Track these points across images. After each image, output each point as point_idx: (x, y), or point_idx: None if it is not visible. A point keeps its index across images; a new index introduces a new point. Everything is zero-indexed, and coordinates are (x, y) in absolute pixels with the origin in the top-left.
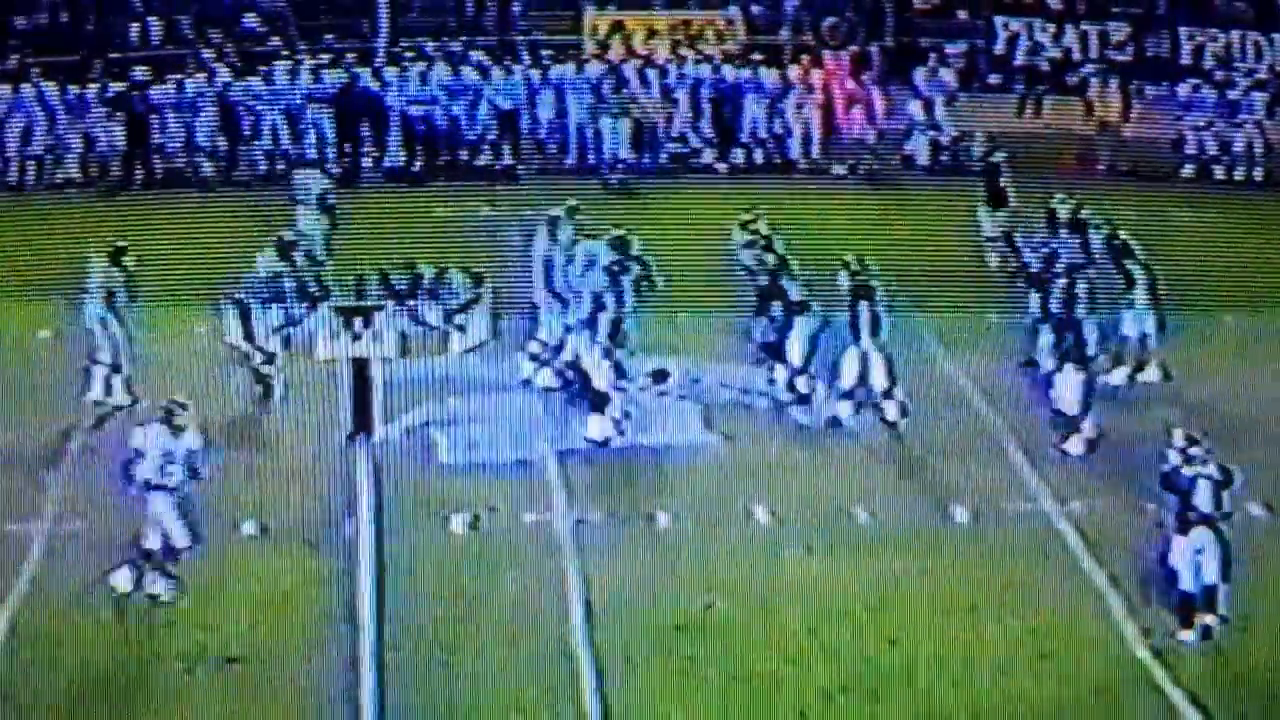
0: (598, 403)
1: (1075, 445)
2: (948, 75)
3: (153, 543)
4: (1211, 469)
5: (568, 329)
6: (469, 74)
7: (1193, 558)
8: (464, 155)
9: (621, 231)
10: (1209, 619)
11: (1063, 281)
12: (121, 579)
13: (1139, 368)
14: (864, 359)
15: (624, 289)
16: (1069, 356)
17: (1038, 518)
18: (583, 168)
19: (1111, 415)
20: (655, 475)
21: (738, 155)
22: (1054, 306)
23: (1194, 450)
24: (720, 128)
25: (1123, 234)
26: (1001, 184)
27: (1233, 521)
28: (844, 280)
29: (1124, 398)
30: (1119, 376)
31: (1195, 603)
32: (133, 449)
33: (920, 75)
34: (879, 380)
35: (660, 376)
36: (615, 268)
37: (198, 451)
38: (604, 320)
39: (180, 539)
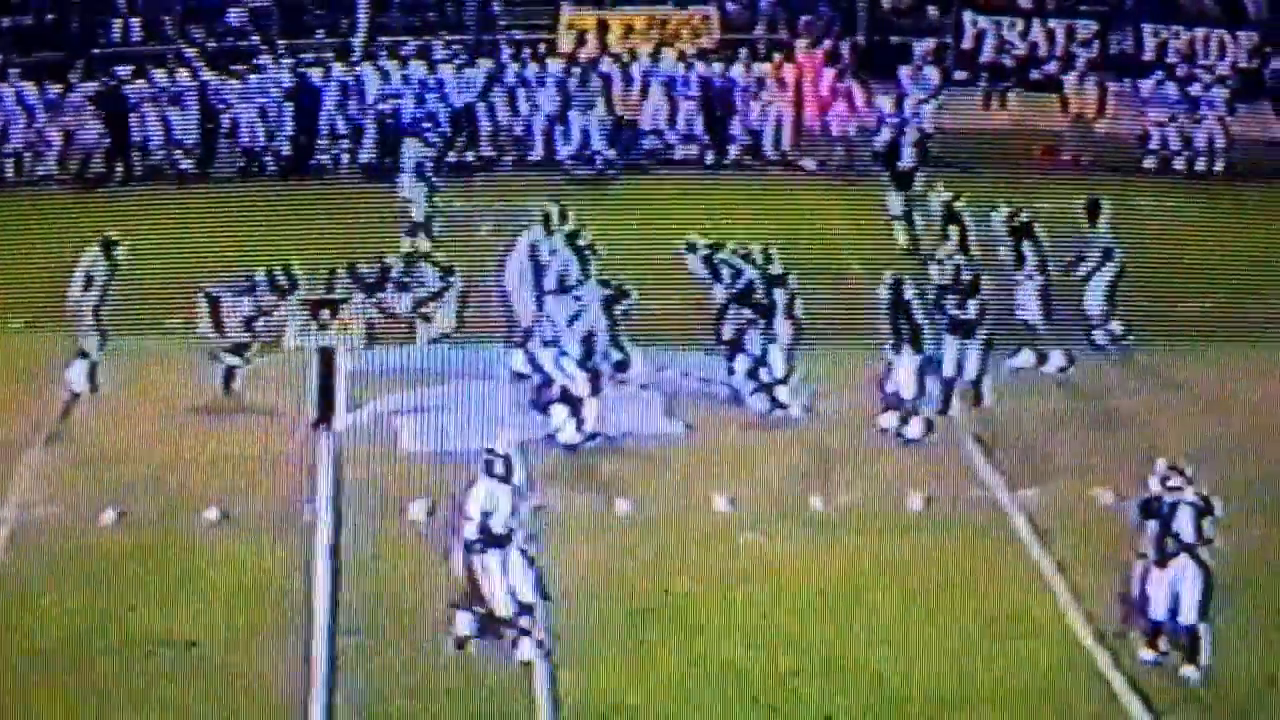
0: (570, 403)
1: (914, 428)
2: (932, 73)
3: (503, 606)
4: (1192, 496)
5: (546, 337)
6: (445, 70)
7: (1170, 589)
8: (438, 149)
9: (610, 279)
10: (1189, 670)
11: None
12: (463, 624)
13: (1041, 359)
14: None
15: (611, 317)
16: (904, 339)
17: (990, 504)
18: (556, 162)
19: (1059, 399)
20: (616, 463)
21: (712, 150)
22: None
23: (1175, 479)
24: (696, 123)
25: (1024, 216)
26: (901, 167)
27: (1214, 550)
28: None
29: (1065, 381)
30: (1024, 359)
31: (1163, 629)
32: (466, 514)
33: (906, 72)
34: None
35: (622, 366)
36: (608, 298)
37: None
38: (581, 331)
39: (530, 593)
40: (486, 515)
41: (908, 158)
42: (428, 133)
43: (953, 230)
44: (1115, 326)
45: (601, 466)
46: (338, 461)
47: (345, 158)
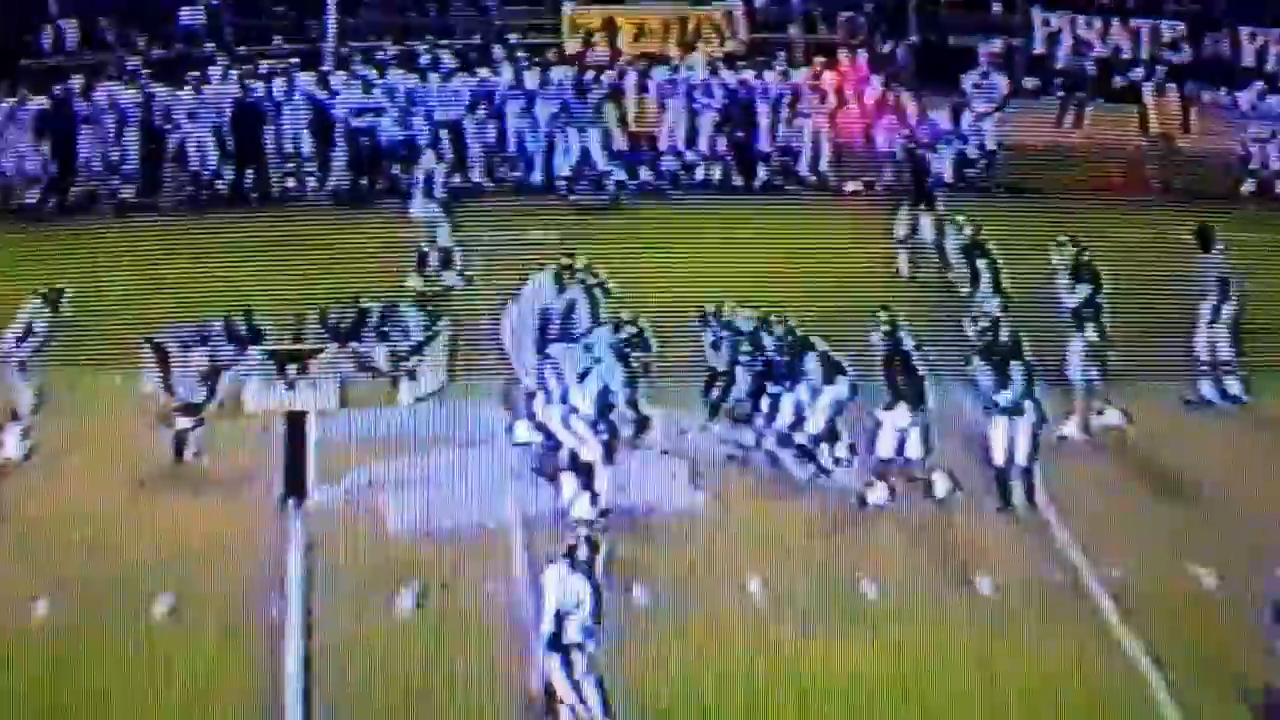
0: (582, 473)
1: (940, 485)
2: (1000, 80)
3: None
4: None
5: (552, 395)
6: (428, 79)
7: None
8: (418, 172)
9: (628, 318)
10: None
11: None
12: None
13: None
14: (898, 426)
15: (627, 369)
16: (901, 394)
17: (1069, 587)
18: (557, 187)
19: (1134, 463)
20: (633, 541)
21: (737, 172)
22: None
23: None
24: (720, 140)
25: (1086, 255)
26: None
27: None
28: (876, 339)
29: (1136, 442)
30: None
31: None
32: (555, 610)
33: (970, 80)
34: (915, 450)
35: (641, 426)
36: (623, 348)
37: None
38: (593, 387)
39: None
40: (564, 614)
41: (947, 173)
42: (440, 146)
43: (983, 268)
44: (1232, 383)
45: (617, 547)
46: (309, 544)
47: (313, 182)
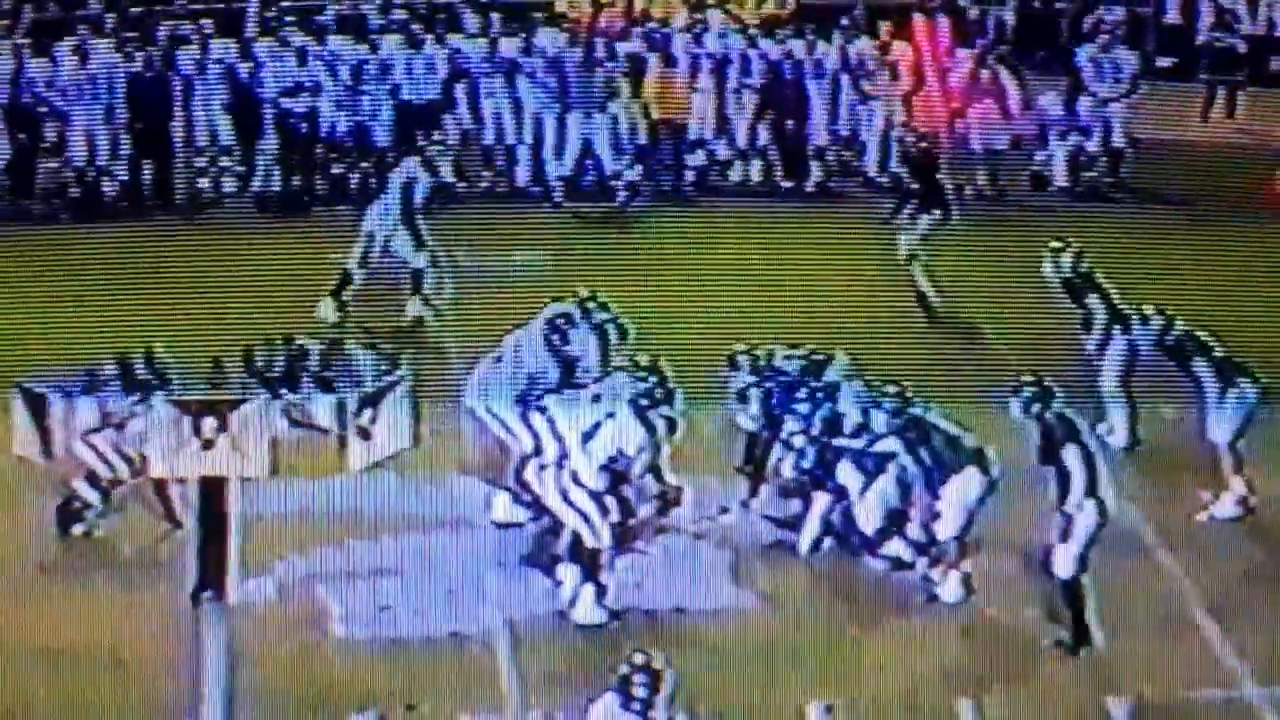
0: (586, 561)
1: (950, 588)
2: (1127, 56)
3: None
4: None
5: (547, 460)
6: (380, 49)
7: None
8: (368, 171)
9: (648, 359)
10: None
11: None
12: None
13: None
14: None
15: (647, 427)
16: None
17: (1232, 706)
18: (550, 191)
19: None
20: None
21: (783, 171)
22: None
23: None
24: (761, 129)
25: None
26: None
27: None
28: (1016, 408)
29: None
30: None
31: None
32: None
33: (1086, 55)
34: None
35: (665, 502)
36: (641, 401)
37: None
38: (602, 450)
39: None
40: None
41: (1060, 176)
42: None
43: (1095, 303)
44: None
45: (686, 679)
46: (231, 654)
47: (232, 183)
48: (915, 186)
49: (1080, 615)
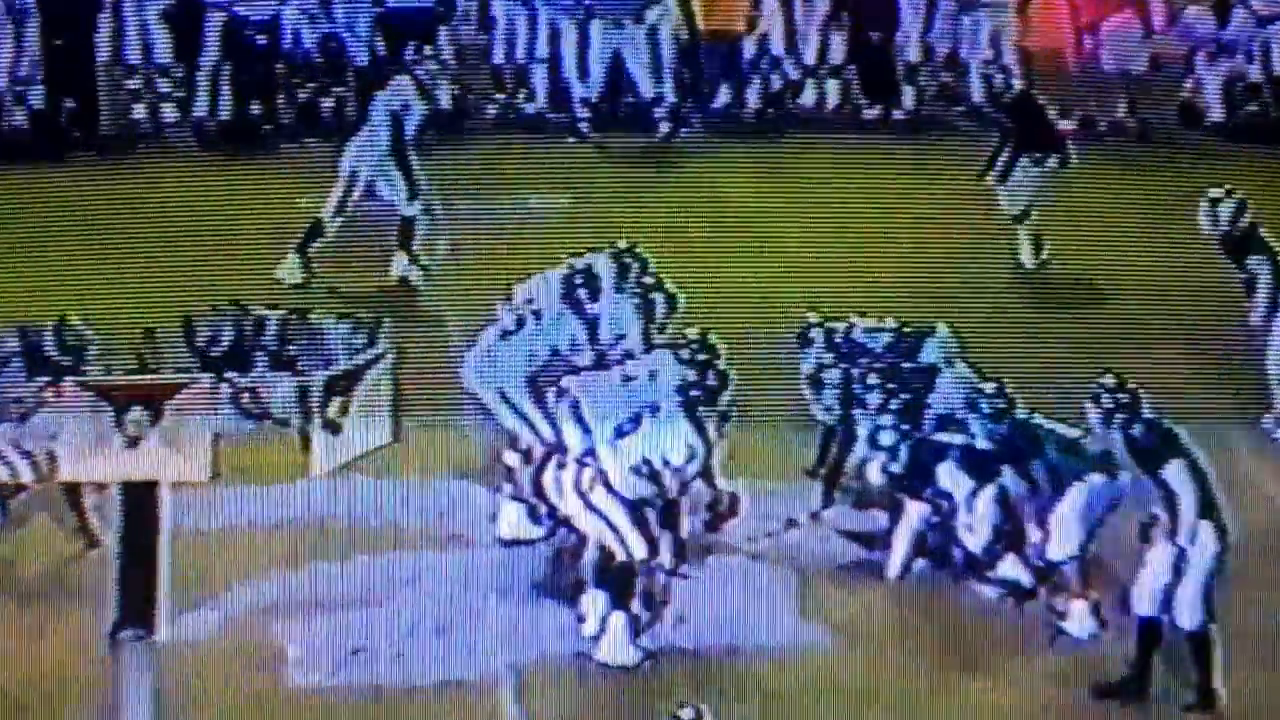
0: (616, 585)
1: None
2: None
3: None
4: None
5: (568, 459)
6: None
7: None
8: (345, 96)
9: (698, 333)
10: None
11: None
12: None
13: None
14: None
15: (694, 420)
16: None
17: None
18: (574, 118)
19: None
20: (708, 700)
21: (866, 95)
22: None
23: None
24: (839, 42)
25: None
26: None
27: None
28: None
29: None
30: None
31: None
32: None
33: None
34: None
35: (717, 513)
36: (691, 389)
37: None
38: (638, 448)
39: None
40: None
41: (1215, 109)
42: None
43: (1259, 265)
44: None
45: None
46: (160, 706)
47: (173, 112)
48: (1018, 125)
49: (1207, 675)
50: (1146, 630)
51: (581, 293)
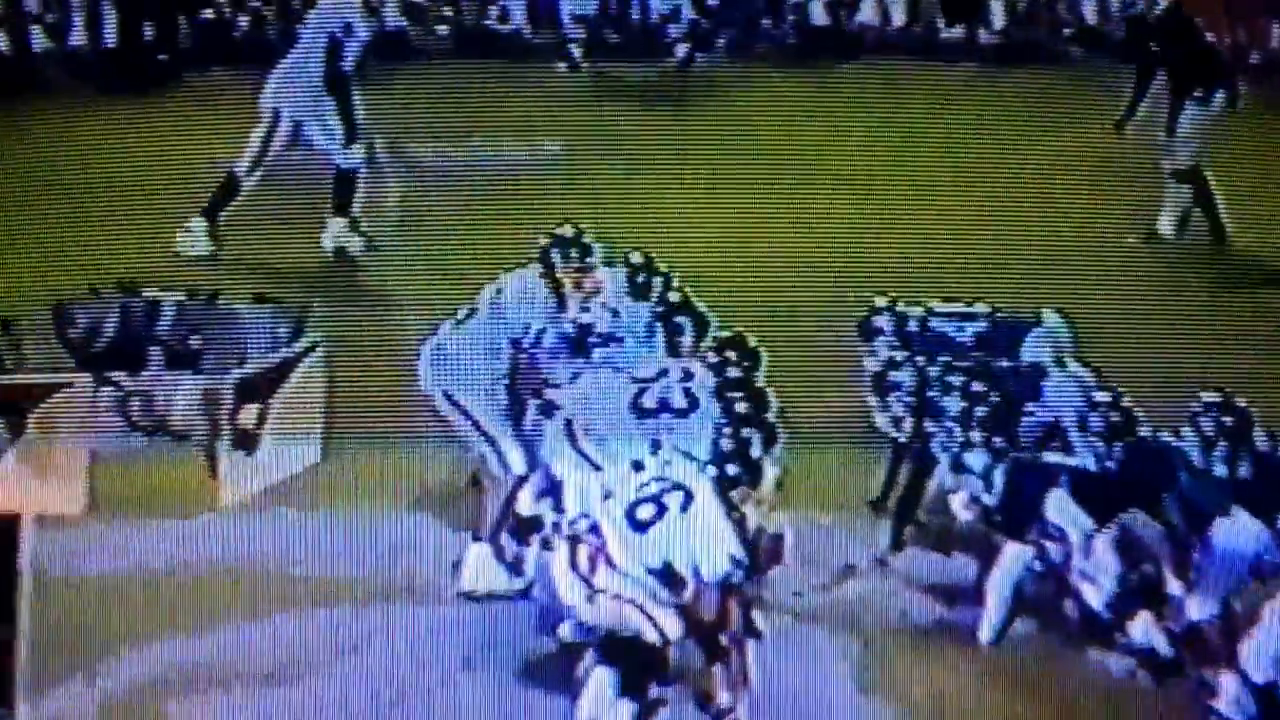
0: (629, 662)
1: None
2: None
3: None
4: None
5: (563, 491)
6: None
7: None
8: (264, 14)
9: (728, 336)
10: None
11: None
12: None
13: None
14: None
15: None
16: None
17: None
18: (564, 39)
19: None
20: None
21: (944, 16)
22: None
23: None
24: None
25: None
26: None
27: None
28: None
29: None
30: None
31: None
32: None
33: None
34: None
35: (757, 559)
36: (730, 396)
37: None
38: (660, 477)
39: None
40: None
41: None
42: None
43: None
44: None
45: None
46: None
47: (42, 40)
48: (1170, 53)
49: None
50: (1265, 700)
51: (562, 263)
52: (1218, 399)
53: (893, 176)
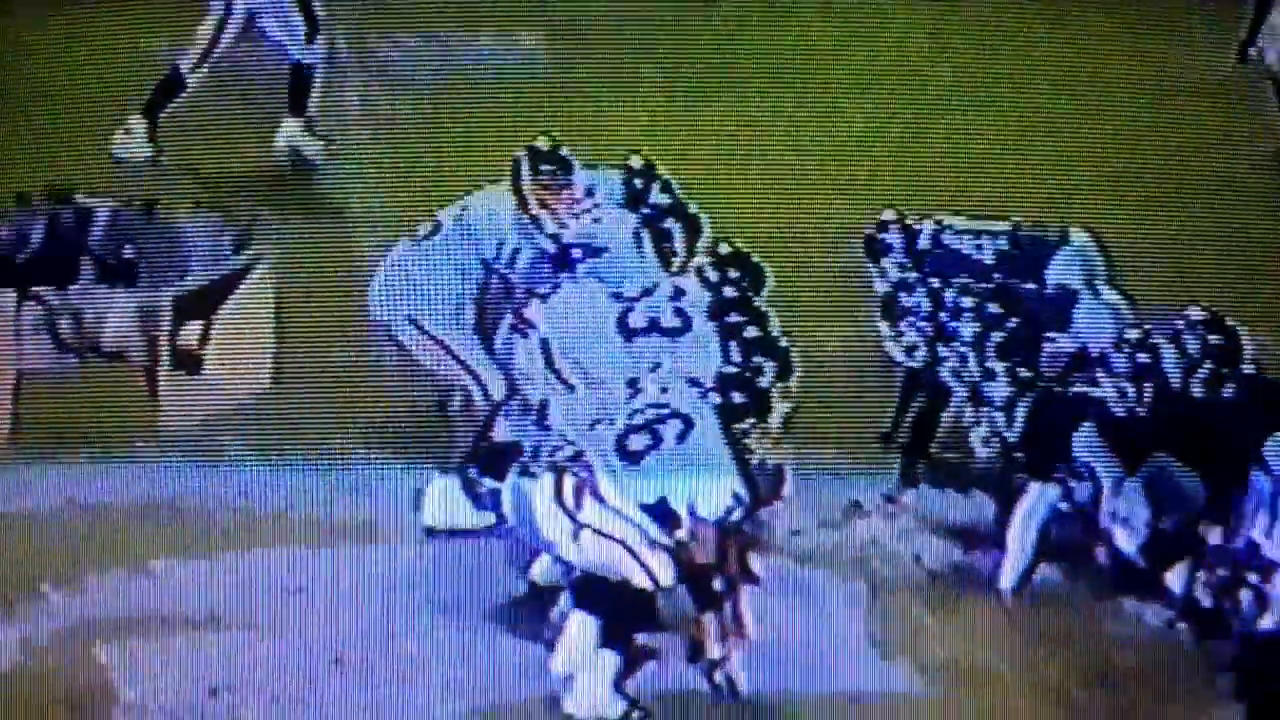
0: (612, 608)
1: None
2: None
3: None
4: None
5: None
6: None
7: None
8: None
9: (730, 250)
10: None
11: None
12: None
13: None
14: None
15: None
16: None
17: None
18: None
19: None
20: None
21: None
22: None
23: None
24: None
25: None
26: None
27: None
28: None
29: None
30: None
31: None
32: None
33: None
34: None
35: (757, 495)
36: (730, 319)
37: None
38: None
39: None
40: None
41: None
42: None
43: None
44: None
45: None
46: None
47: None
48: None
49: None
50: None
51: (533, 178)
52: (1202, 316)
53: (906, 70)
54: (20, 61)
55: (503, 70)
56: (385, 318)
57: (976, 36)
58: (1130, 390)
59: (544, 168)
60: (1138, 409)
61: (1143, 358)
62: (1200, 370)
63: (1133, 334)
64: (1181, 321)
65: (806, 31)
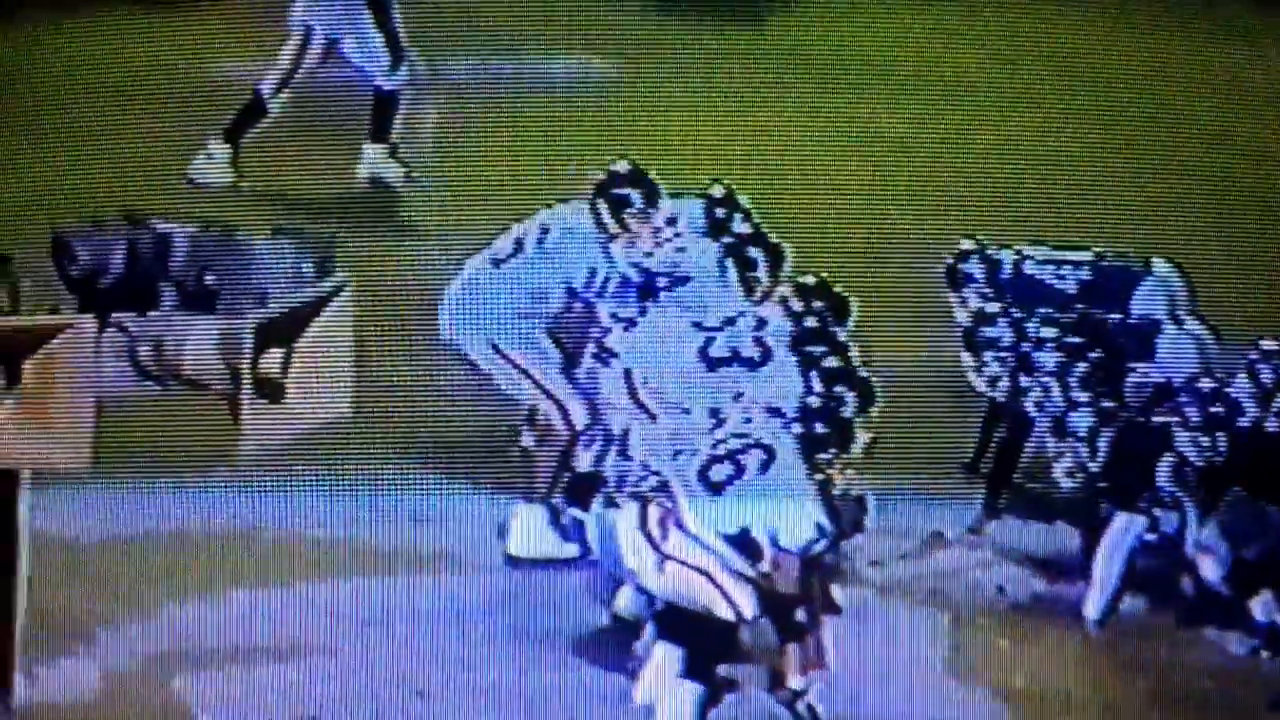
0: (695, 640)
1: None
2: None
3: None
4: None
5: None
6: None
7: None
8: None
9: (813, 283)
10: None
11: None
12: None
13: None
14: None
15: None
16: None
17: None
18: None
19: None
20: None
21: None
22: None
23: None
24: None
25: None
26: None
27: None
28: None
29: None
30: None
31: None
32: None
33: None
34: None
35: (840, 526)
36: (810, 349)
37: None
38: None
39: None
40: None
41: None
42: None
43: None
44: None
45: None
46: None
47: None
48: None
49: None
50: None
51: (622, 206)
52: (1276, 346)
53: (989, 95)
54: (97, 81)
55: (579, 94)
56: (464, 342)
57: (1057, 67)
58: (1205, 440)
59: (632, 195)
60: (1215, 458)
61: (1216, 409)
62: (1275, 401)
63: (1206, 384)
64: (1256, 353)
65: (888, 62)
